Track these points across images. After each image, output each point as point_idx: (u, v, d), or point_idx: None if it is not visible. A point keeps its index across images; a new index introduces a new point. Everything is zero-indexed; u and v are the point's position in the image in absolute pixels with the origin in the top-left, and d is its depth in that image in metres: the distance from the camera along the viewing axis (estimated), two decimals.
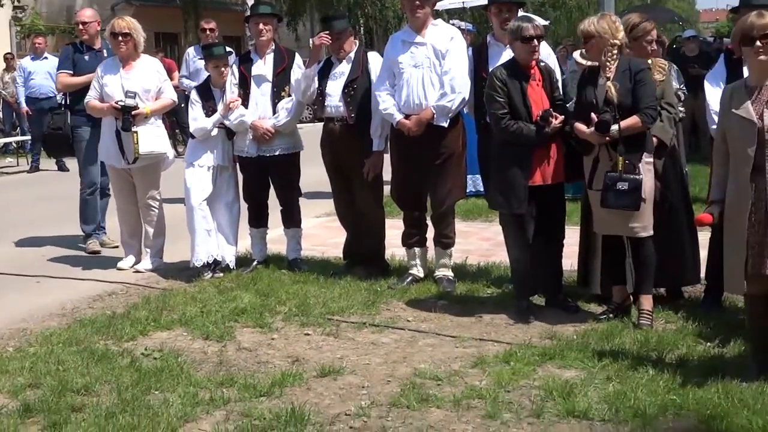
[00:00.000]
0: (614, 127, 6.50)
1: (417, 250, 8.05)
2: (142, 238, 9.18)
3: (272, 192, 8.79)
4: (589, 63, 6.98)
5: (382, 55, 8.13)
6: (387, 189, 8.24)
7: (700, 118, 10.44)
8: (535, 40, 6.92)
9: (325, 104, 8.21)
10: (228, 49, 9.07)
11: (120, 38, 8.79)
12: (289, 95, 8.51)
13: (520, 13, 7.78)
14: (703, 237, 7.12)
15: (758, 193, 5.32)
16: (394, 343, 6.47)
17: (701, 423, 4.92)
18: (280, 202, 8.80)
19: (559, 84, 7.44)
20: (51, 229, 11.14)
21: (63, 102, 10.20)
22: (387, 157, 8.17)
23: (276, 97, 8.52)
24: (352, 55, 8.21)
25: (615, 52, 6.64)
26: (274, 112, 8.49)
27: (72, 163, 12.60)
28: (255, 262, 8.75)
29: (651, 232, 6.68)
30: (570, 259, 7.51)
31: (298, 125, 8.82)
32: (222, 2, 35.07)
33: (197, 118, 8.55)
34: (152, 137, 8.77)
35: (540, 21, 7.47)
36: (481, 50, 7.91)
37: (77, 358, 6.18)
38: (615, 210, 6.56)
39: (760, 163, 5.30)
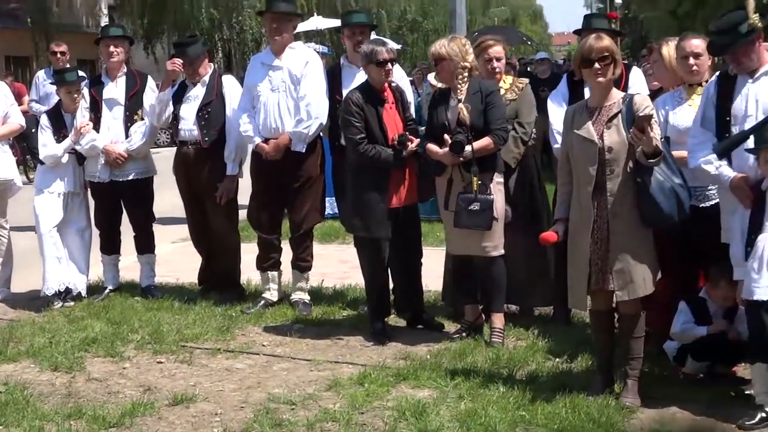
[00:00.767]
0: (468, 148, 6.61)
1: (272, 273, 8.00)
2: None
3: (125, 217, 8.62)
4: (441, 85, 7.09)
5: (238, 79, 8.08)
6: (243, 213, 8.18)
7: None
8: (389, 64, 6.98)
9: (179, 128, 8.12)
10: (81, 73, 8.86)
11: None
12: (142, 119, 8.37)
13: (373, 35, 7.86)
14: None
15: (600, 211, 5.49)
16: (248, 369, 6.42)
17: None
18: (134, 228, 8.63)
19: (411, 105, 7.54)
20: None
21: None
22: (242, 181, 8.11)
23: (129, 121, 8.38)
24: (206, 78, 8.15)
25: (465, 74, 6.75)
26: (127, 136, 8.34)
27: None
28: (107, 290, 8.55)
29: (502, 251, 6.81)
30: (432, 279, 7.59)
31: (156, 149, 8.68)
32: (74, 24, 34.30)
33: (47, 144, 8.31)
34: None
35: (393, 45, 7.53)
36: (334, 73, 7.95)
37: None
38: (467, 230, 6.65)
39: (601, 181, 5.47)
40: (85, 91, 8.48)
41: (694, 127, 5.69)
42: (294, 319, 7.57)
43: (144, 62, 32.96)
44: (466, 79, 6.75)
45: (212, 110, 8.00)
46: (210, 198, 8.04)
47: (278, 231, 8.04)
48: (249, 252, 8.32)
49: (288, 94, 7.69)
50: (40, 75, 12.42)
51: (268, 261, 7.98)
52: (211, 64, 8.44)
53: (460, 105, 6.70)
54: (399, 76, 7.58)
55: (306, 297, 7.94)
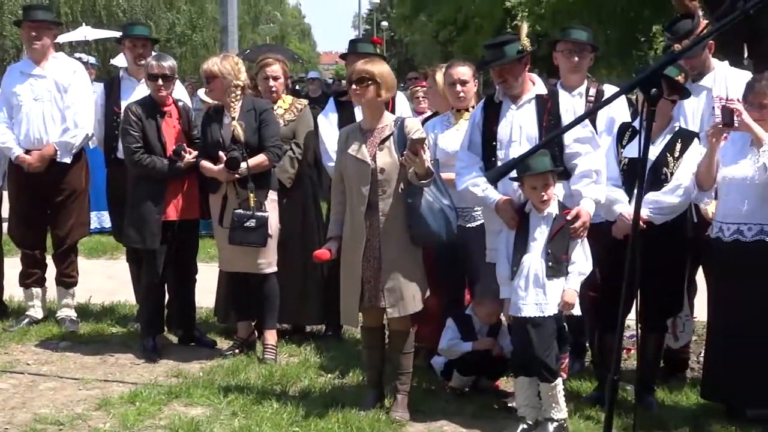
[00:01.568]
0: (243, 165, 6.62)
1: (36, 290, 7.71)
2: None
3: None
4: (214, 102, 7.08)
5: None
6: (5, 227, 7.84)
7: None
8: (160, 79, 6.90)
9: None
10: None
11: None
12: None
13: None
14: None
15: (372, 230, 5.63)
16: (12, 389, 6.17)
17: None
18: None
19: (199, 123, 7.47)
20: None
21: None
22: (6, 194, 7.79)
23: None
24: None
25: (238, 92, 6.77)
26: None
27: None
28: None
29: (275, 268, 6.85)
30: (203, 295, 7.53)
31: None
32: None
33: None
34: None
35: (173, 62, 7.37)
36: (113, 85, 7.77)
37: None
38: (241, 246, 6.66)
39: (373, 201, 5.61)
40: None
41: (462, 150, 5.91)
42: (61, 337, 7.32)
43: None
44: (238, 97, 6.78)
45: None
46: None
47: (42, 246, 7.77)
48: (12, 267, 7.98)
49: (53, 103, 7.46)
50: None
51: (31, 277, 7.69)
52: None
53: (234, 123, 6.71)
54: (180, 93, 7.51)
55: (73, 314, 7.70)
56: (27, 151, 7.39)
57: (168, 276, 7.06)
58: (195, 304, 7.32)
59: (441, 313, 6.32)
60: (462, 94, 6.33)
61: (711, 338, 5.64)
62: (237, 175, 6.66)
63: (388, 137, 5.63)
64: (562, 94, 5.88)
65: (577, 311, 5.48)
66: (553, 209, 5.46)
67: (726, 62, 6.35)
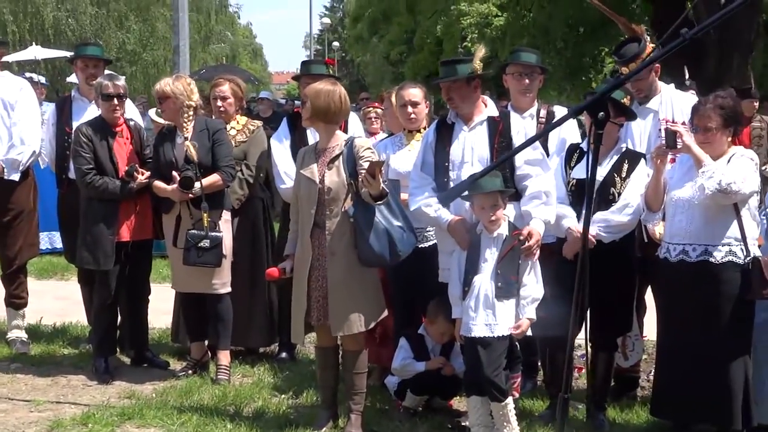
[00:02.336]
0: (197, 185, 6.63)
1: None
2: None
3: None
4: (165, 122, 7.09)
5: None
6: None
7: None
8: (115, 99, 6.89)
9: None
10: None
11: None
12: None
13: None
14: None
15: (320, 249, 5.67)
16: None
17: None
18: None
19: (151, 142, 7.46)
20: None
21: None
22: None
23: None
24: None
25: (191, 113, 6.80)
26: None
27: None
28: None
29: (229, 289, 6.87)
30: (157, 316, 7.49)
31: None
32: None
33: None
34: None
35: (125, 82, 7.37)
36: (64, 105, 7.74)
37: None
38: (195, 267, 6.66)
39: (320, 220, 5.65)
40: None
41: (415, 171, 5.97)
42: (11, 358, 7.27)
43: None
44: (191, 117, 6.80)
45: None
46: None
47: None
48: None
49: (0, 121, 7.42)
50: None
51: None
52: None
53: (187, 143, 6.73)
54: (132, 112, 7.50)
55: (23, 335, 7.64)
56: None
57: (120, 297, 7.04)
58: (148, 325, 7.29)
59: (394, 332, 6.39)
60: (413, 116, 6.41)
61: (659, 357, 5.74)
62: (191, 195, 6.66)
63: (337, 156, 5.68)
64: (514, 116, 5.97)
65: (528, 332, 5.56)
66: (503, 230, 5.54)
67: (672, 85, 6.48)
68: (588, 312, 5.73)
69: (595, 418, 5.90)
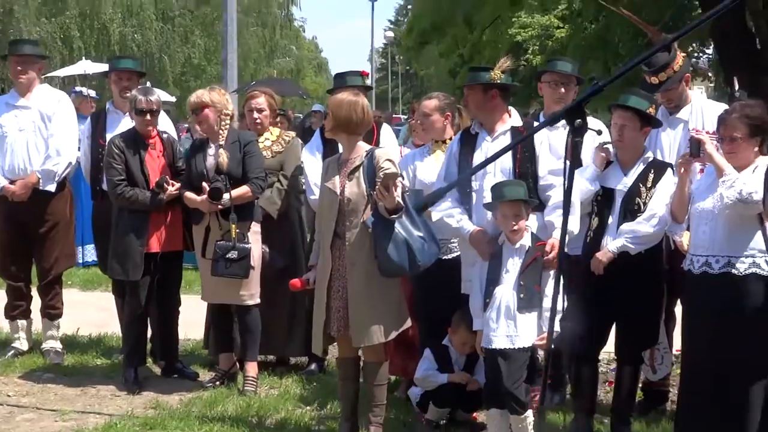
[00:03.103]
0: (226, 196, 6.65)
1: (21, 322, 7.75)
2: None
3: None
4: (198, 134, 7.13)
5: None
6: None
7: None
8: (149, 114, 6.94)
9: None
10: None
11: None
12: None
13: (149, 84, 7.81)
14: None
15: (340, 259, 5.64)
16: None
17: None
18: None
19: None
20: None
21: None
22: None
23: None
24: None
25: (227, 121, 6.82)
26: None
27: None
28: None
29: (258, 300, 6.86)
30: (190, 327, 7.52)
31: None
32: None
33: None
34: None
35: (162, 95, 7.45)
36: (99, 117, 7.83)
37: None
38: (224, 278, 6.67)
39: (340, 231, 5.63)
40: None
41: (438, 181, 5.94)
42: (45, 368, 7.34)
43: None
44: (227, 125, 6.82)
45: None
46: None
47: (27, 278, 7.79)
48: None
49: (38, 133, 7.52)
50: None
51: (16, 309, 7.73)
52: None
53: (221, 150, 6.74)
54: (165, 125, 7.55)
55: (58, 345, 7.72)
56: (11, 182, 7.44)
57: (151, 308, 7.08)
58: (178, 336, 7.32)
59: (420, 344, 6.33)
60: (424, 127, 6.44)
61: (682, 372, 5.58)
62: (220, 206, 6.68)
63: (358, 167, 5.66)
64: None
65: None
66: (526, 241, 5.47)
67: (703, 94, 6.34)
68: (614, 325, 5.62)
69: None
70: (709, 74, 31.72)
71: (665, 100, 6.15)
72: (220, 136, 6.80)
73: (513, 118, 5.84)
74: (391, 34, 69.68)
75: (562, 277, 5.34)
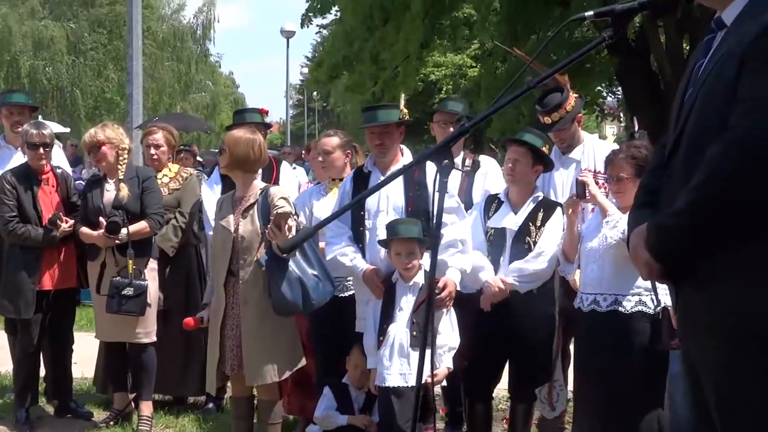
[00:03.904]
0: (123, 231, 6.57)
1: None
2: None
3: None
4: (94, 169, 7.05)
5: None
6: None
7: None
8: (41, 148, 6.84)
9: None
10: None
11: None
12: None
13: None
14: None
15: (233, 297, 5.62)
16: None
17: None
18: None
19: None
20: None
21: None
22: None
23: None
24: None
25: (125, 155, 6.75)
26: None
27: None
28: None
29: (154, 338, 6.77)
30: (86, 365, 7.38)
31: None
32: None
33: None
34: None
35: (52, 129, 7.32)
36: None
37: None
38: (119, 315, 6.58)
39: (234, 269, 5.62)
40: None
41: None
42: None
43: None
44: (125, 160, 6.74)
45: None
46: None
47: None
48: None
49: None
50: None
51: None
52: None
53: (122, 184, 6.67)
54: (59, 159, 7.45)
55: None
56: None
57: (43, 346, 6.94)
58: (71, 375, 7.19)
59: (318, 383, 6.30)
60: (324, 165, 6.45)
61: (575, 410, 5.65)
62: (117, 241, 6.59)
63: (252, 205, 5.64)
64: (429, 165, 5.94)
65: (444, 382, 5.50)
66: (419, 279, 5.51)
67: (595, 135, 6.49)
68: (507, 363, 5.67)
69: None
70: (620, 115, 32.43)
71: (558, 140, 6.26)
72: (119, 171, 6.73)
73: (405, 157, 5.90)
74: (306, 70, 69.77)
75: (455, 314, 5.53)
